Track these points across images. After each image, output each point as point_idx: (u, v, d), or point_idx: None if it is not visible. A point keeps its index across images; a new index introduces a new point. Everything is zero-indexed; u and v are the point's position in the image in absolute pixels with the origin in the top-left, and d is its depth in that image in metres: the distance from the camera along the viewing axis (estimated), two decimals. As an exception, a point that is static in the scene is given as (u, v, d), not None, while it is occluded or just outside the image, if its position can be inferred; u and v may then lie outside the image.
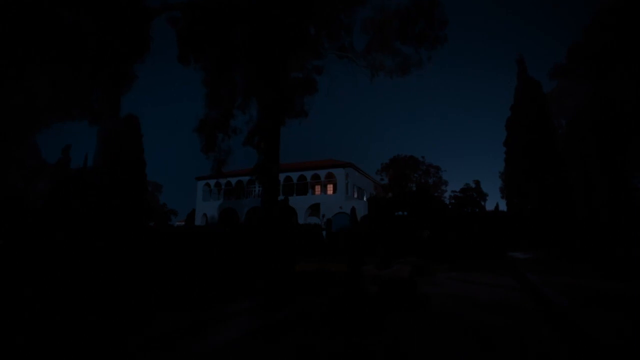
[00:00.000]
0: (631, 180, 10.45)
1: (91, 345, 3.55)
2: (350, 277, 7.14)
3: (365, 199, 32.00)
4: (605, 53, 9.95)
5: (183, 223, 38.84)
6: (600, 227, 10.40)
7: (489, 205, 37.13)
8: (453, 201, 36.74)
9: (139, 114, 26.25)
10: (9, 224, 13.94)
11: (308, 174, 29.03)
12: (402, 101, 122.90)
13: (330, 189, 30.06)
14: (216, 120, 13.87)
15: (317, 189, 31.00)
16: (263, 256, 10.26)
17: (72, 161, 25.89)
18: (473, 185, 37.34)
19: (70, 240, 15.94)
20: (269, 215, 11.59)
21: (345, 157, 29.16)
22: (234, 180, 31.58)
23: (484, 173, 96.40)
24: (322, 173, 28.64)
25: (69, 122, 16.61)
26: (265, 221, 12.21)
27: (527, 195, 15.36)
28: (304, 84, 13.71)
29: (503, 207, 29.39)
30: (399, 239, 14.72)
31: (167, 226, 33.08)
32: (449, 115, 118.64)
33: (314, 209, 28.30)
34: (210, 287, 6.64)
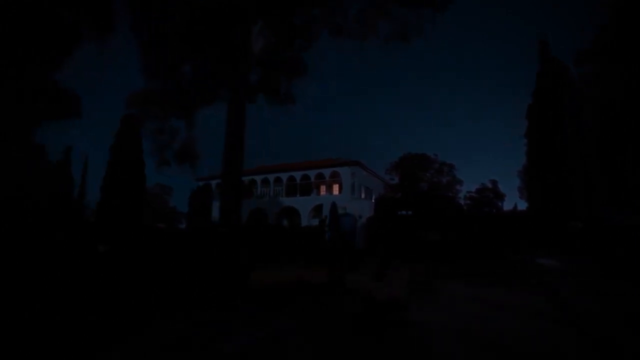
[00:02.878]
0: (631, 180, 11.08)
1: (91, 346, 3.70)
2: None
3: (374, 199, 32.87)
4: (605, 54, 10.61)
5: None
6: (601, 227, 11.11)
7: (508, 206, 37.44)
8: (468, 202, 37.27)
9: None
10: (8, 224, 15.29)
11: (312, 174, 30.04)
12: (413, 99, 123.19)
13: (335, 189, 31.01)
14: (161, 95, 12.08)
15: (322, 189, 32.00)
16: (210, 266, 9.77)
17: (73, 162, 27.38)
18: (490, 185, 37.78)
19: (70, 240, 17.24)
20: (227, 218, 10.05)
21: (356, 157, 30.01)
22: (235, 180, 32.94)
23: (506, 172, 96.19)
24: (327, 172, 29.59)
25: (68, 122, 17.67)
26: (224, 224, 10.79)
27: (533, 195, 16.00)
28: (288, 62, 12.34)
29: (523, 207, 29.83)
30: (402, 240, 15.54)
31: (172, 228, 34.53)
32: (464, 111, 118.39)
33: (318, 210, 29.29)
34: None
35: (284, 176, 31.08)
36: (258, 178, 32.21)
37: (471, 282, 8.04)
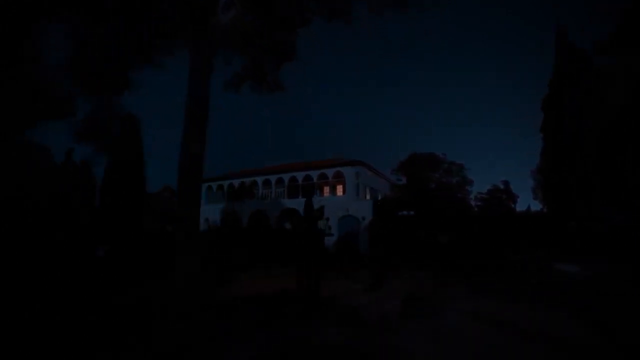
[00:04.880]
0: (631, 180, 11.36)
1: (91, 347, 3.71)
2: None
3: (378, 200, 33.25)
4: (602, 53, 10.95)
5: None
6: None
7: (520, 208, 37.53)
8: (479, 203, 37.46)
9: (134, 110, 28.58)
10: (8, 224, 16.13)
11: (314, 174, 30.50)
12: (418, 99, 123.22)
13: (339, 189, 31.48)
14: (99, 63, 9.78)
15: (326, 190, 32.50)
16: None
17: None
18: (501, 186, 37.91)
19: (69, 241, 18.02)
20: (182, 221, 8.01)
21: (363, 159, 30.30)
22: (237, 182, 33.64)
23: (517, 173, 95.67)
24: (330, 172, 30.02)
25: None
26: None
27: (551, 195, 16.23)
28: (276, 44, 11.18)
29: (536, 209, 29.96)
30: (402, 242, 15.99)
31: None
32: (477, 107, 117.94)
33: (323, 212, 29.76)
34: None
35: (286, 177, 31.65)
36: (259, 179, 32.89)
37: (481, 292, 7.09)
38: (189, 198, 7.39)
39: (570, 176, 13.36)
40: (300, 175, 31.11)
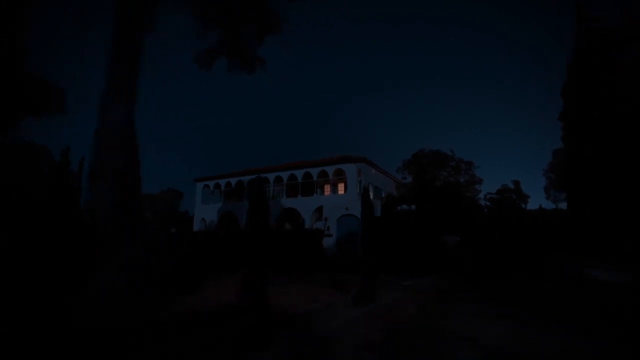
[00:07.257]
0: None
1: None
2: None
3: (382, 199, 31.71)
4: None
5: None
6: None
7: (532, 208, 35.74)
8: (488, 203, 35.63)
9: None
10: (4, 225, 15.13)
11: (315, 172, 29.16)
12: (424, 100, 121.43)
13: (341, 188, 30.17)
14: None
15: (327, 188, 31.10)
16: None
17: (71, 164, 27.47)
18: (512, 186, 36.15)
19: (66, 243, 17.03)
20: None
21: (369, 157, 28.84)
22: (234, 181, 32.39)
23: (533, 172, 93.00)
24: (331, 170, 28.64)
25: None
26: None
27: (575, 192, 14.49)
28: (255, 14, 9.71)
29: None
30: (401, 245, 14.37)
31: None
32: (484, 107, 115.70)
33: (322, 212, 28.38)
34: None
35: (285, 175, 30.33)
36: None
37: (499, 314, 5.57)
38: (109, 174, 5.58)
39: (599, 167, 11.57)
40: (299, 173, 29.75)
